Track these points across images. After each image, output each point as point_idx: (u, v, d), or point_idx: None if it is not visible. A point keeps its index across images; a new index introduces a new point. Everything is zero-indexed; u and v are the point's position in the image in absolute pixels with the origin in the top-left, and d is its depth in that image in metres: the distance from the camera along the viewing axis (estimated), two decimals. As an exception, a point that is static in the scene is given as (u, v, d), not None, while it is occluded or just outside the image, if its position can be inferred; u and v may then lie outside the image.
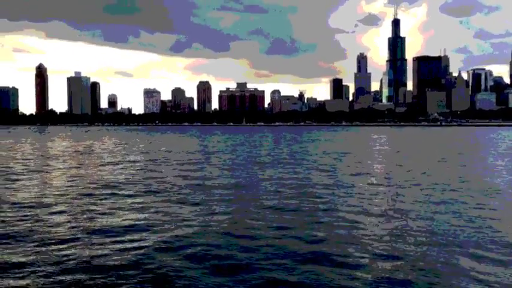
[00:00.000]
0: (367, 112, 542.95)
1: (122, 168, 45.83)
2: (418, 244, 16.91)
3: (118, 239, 17.86)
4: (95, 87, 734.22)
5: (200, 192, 29.25)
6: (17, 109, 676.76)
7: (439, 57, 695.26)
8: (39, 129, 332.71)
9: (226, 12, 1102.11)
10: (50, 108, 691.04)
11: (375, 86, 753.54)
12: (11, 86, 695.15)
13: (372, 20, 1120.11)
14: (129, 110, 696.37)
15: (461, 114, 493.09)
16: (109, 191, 29.62)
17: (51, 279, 13.49)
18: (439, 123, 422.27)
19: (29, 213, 22.57)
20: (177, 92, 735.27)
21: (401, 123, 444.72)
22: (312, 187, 31.18)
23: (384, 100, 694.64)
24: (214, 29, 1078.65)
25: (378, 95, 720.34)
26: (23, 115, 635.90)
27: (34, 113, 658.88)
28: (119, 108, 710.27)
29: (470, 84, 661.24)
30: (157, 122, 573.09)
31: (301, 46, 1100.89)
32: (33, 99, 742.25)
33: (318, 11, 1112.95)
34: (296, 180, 34.83)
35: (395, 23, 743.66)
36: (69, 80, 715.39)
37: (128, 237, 18.12)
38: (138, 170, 43.90)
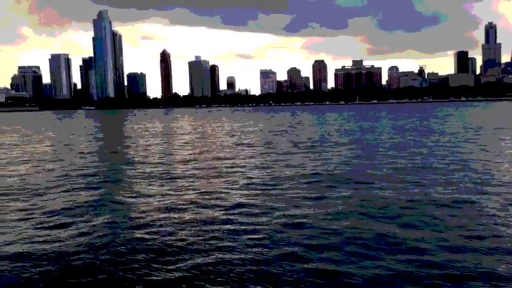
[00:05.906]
0: (494, 86, 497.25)
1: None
2: None
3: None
4: (214, 70, 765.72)
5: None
6: (145, 93, 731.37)
7: None
8: (167, 111, 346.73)
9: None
10: (174, 91, 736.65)
11: (506, 58, 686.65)
12: (139, 72, 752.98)
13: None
14: (247, 91, 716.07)
15: None
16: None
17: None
18: None
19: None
20: (293, 72, 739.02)
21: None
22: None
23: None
24: (331, 4, 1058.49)
25: (509, 67, 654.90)
26: (149, 99, 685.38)
27: (160, 97, 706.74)
28: (236, 90, 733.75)
29: None
30: (271, 102, 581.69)
31: (424, 18, 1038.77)
32: (158, 83, 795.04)
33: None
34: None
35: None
36: (190, 64, 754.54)
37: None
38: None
